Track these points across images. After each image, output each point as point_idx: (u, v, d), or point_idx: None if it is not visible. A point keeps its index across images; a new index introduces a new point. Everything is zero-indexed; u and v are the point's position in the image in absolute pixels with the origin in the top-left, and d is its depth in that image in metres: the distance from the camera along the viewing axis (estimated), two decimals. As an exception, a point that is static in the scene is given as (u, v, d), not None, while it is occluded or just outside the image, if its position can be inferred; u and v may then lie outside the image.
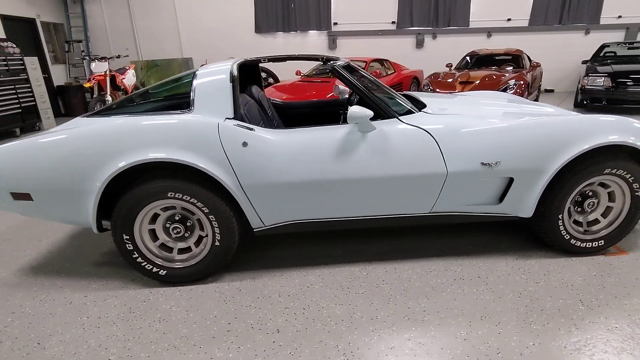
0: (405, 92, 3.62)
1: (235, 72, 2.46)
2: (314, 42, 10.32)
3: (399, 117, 2.43)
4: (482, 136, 2.37)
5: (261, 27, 10.01)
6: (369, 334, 1.96)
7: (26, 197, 2.33)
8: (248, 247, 2.87)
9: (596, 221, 2.59)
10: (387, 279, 2.41)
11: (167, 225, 2.41)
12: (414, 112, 2.51)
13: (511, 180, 2.41)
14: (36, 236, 3.15)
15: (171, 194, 2.27)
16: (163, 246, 2.46)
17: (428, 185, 2.39)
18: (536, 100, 8.63)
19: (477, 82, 6.56)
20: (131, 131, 2.24)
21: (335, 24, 10.12)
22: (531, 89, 7.51)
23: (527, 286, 2.28)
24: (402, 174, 2.35)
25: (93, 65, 7.07)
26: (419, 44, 10.16)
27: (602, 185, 2.51)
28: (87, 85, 7.13)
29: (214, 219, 2.33)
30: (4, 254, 2.89)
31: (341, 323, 2.05)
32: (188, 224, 2.44)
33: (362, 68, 7.27)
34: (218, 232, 2.36)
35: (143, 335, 2.01)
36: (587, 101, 7.17)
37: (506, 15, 9.88)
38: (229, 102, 2.39)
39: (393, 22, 10.08)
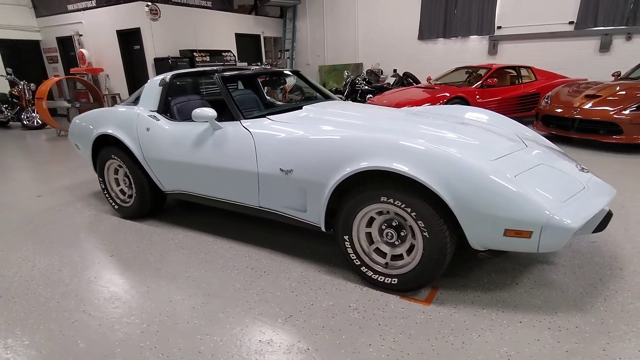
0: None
1: (168, 80, 3.25)
2: (473, 47, 9.33)
3: (241, 120, 2.70)
4: (286, 144, 2.41)
5: (424, 34, 9.78)
6: (141, 277, 2.50)
7: (77, 146, 3.83)
8: (193, 208, 3.64)
9: (400, 256, 2.17)
10: (212, 251, 2.78)
11: (124, 179, 3.48)
12: (262, 117, 2.72)
13: (311, 190, 2.35)
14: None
15: (113, 156, 3.33)
16: (122, 191, 3.56)
17: (247, 181, 2.60)
18: None
19: (608, 96, 4.91)
20: (105, 114, 3.40)
21: (499, 27, 8.85)
22: None
23: (277, 290, 2.26)
24: (229, 167, 2.66)
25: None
26: (604, 47, 7.71)
27: (403, 217, 2.09)
28: None
29: (132, 179, 3.26)
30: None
31: (140, 264, 2.64)
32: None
33: (482, 76, 6.50)
34: (134, 188, 3.28)
35: (57, 240, 3.13)
36: None
37: None
38: (155, 99, 3.23)
39: (571, 23, 8.03)
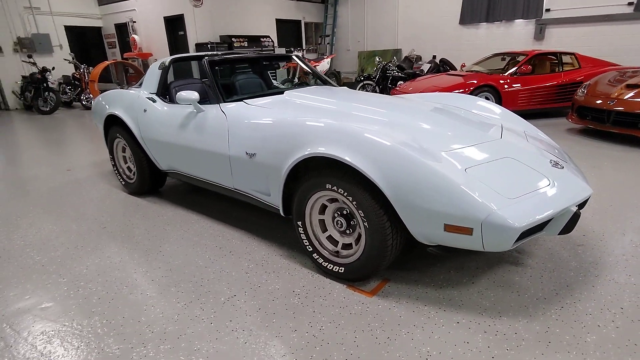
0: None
1: (167, 64, 3.36)
2: (518, 32, 8.59)
3: (220, 104, 2.74)
4: (251, 128, 2.42)
5: (465, 18, 9.18)
6: (120, 248, 2.65)
7: (97, 125, 4.10)
8: (193, 189, 3.78)
9: (350, 246, 2.11)
10: (192, 229, 2.88)
11: (130, 157, 3.68)
12: (240, 102, 2.73)
13: (274, 174, 2.34)
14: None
15: (119, 135, 3.52)
16: (128, 168, 3.76)
17: (222, 163, 2.65)
18: None
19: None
20: (116, 95, 3.60)
21: (548, 10, 8.05)
22: None
23: (233, 270, 2.30)
24: (207, 148, 2.72)
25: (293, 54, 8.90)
26: (668, 32, 6.76)
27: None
28: (281, 68, 9.07)
29: (132, 158, 3.44)
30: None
31: (124, 236, 2.80)
32: (139, 158, 3.63)
33: (517, 62, 6.04)
34: (134, 167, 3.46)
35: (66, 211, 3.40)
36: None
37: None
38: (155, 82, 3.35)
39: (630, 4, 7.08)
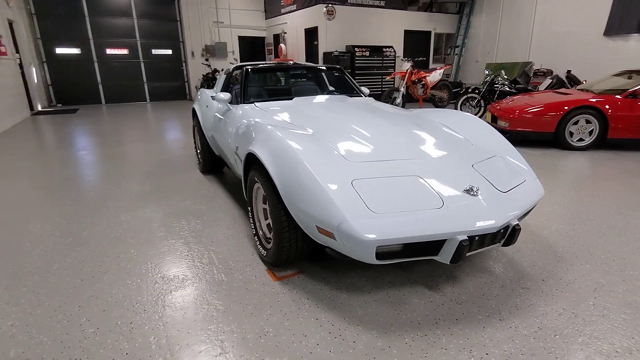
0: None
1: (231, 70, 3.98)
2: None
3: (240, 105, 3.19)
4: (241, 127, 2.79)
5: (612, 28, 7.37)
6: (154, 205, 3.38)
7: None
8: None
9: (277, 234, 2.28)
10: (212, 205, 3.42)
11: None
12: (252, 104, 3.13)
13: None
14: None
15: (194, 122, 4.32)
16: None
17: (230, 153, 3.10)
18: None
19: None
20: (200, 93, 4.42)
21: None
22: None
23: (204, 237, 2.72)
24: (225, 139, 3.21)
25: (402, 64, 8.65)
26: None
27: (276, 199, 2.20)
28: (387, 78, 8.89)
29: (199, 137, 4.19)
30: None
31: (166, 199, 3.52)
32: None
33: (627, 79, 4.87)
34: (200, 145, 4.20)
35: (150, 177, 4.35)
36: None
37: None
38: (220, 84, 4.02)
39: None
